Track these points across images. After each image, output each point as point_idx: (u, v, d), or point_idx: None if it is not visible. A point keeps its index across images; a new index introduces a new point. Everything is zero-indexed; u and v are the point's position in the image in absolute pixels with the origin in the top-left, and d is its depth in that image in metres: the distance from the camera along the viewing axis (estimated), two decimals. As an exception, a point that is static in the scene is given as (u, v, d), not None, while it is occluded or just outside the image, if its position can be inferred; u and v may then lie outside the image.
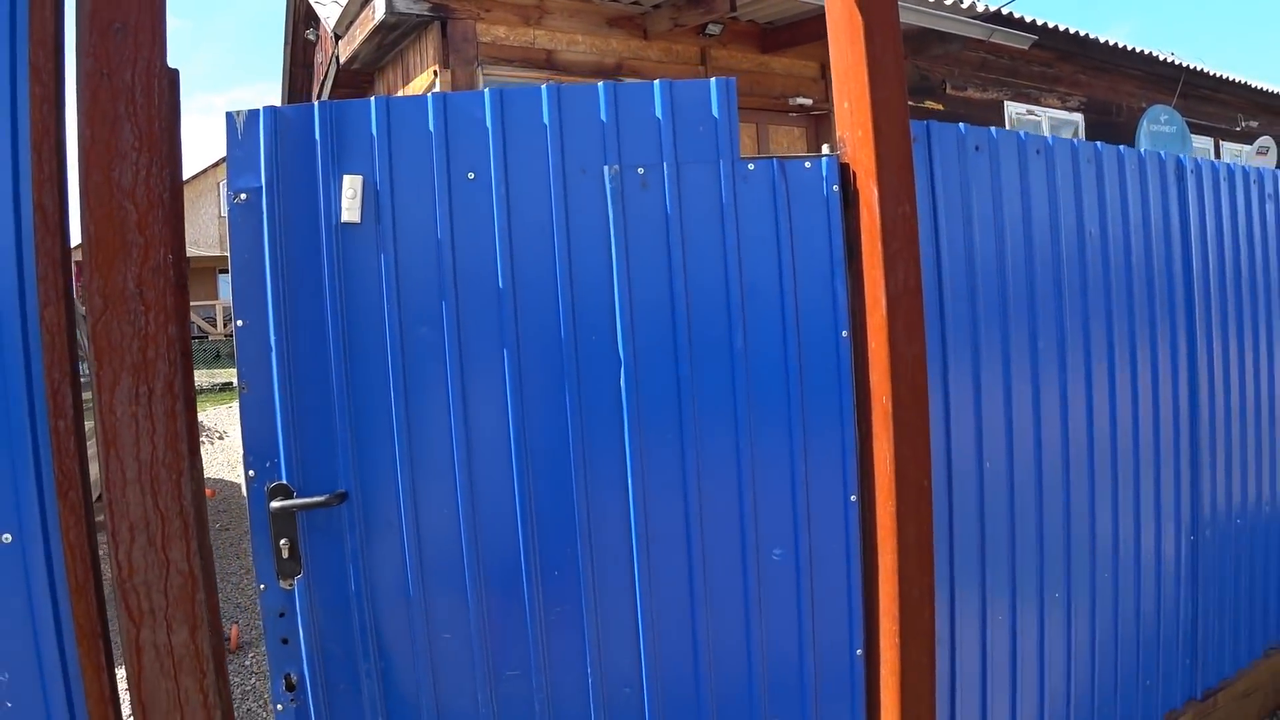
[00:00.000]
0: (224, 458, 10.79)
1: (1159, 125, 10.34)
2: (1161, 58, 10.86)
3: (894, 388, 2.14)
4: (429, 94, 2.13)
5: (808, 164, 2.20)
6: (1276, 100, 13.02)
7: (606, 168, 2.12)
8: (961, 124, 2.51)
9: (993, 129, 2.58)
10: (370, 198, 2.07)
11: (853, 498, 2.25)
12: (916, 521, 2.21)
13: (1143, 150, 3.13)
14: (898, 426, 2.15)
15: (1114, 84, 10.68)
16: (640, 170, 2.13)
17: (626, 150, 2.13)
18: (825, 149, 2.27)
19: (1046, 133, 9.41)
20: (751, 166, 2.18)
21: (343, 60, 7.17)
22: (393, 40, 6.59)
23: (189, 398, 1.52)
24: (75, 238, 1.64)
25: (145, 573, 1.40)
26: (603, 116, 2.11)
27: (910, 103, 6.77)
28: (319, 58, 10.71)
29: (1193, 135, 11.52)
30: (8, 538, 1.39)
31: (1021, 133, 2.66)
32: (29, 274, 1.41)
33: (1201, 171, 3.38)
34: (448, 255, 2.09)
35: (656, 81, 2.15)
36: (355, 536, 2.04)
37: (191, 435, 1.52)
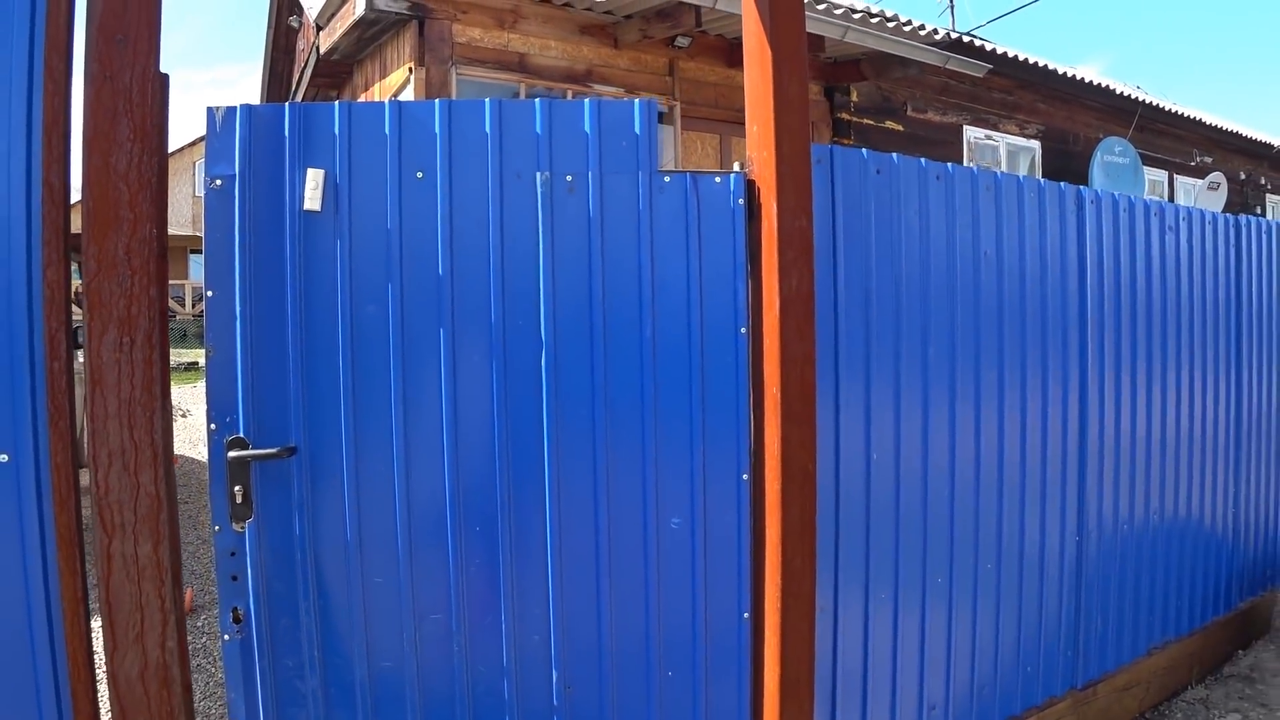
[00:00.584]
0: (186, 435, 10.95)
1: (1113, 156, 10.76)
2: (1119, 90, 11.28)
3: (784, 380, 2.44)
4: (386, 101, 2.41)
5: (718, 179, 2.50)
6: (1230, 138, 13.51)
7: (539, 174, 2.41)
8: (864, 150, 2.82)
9: (894, 155, 2.89)
10: (330, 190, 2.35)
11: (744, 476, 2.55)
12: (800, 501, 2.52)
13: (1042, 181, 3.45)
14: (785, 415, 2.46)
15: (1072, 114, 11.10)
16: (569, 178, 2.42)
17: (558, 159, 2.42)
18: (736, 166, 2.57)
19: (1003, 157, 9.85)
20: (668, 179, 2.48)
21: (323, 51, 7.40)
22: (372, 35, 6.84)
23: (164, 350, 1.80)
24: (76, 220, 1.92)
25: (119, 493, 1.67)
26: (538, 129, 2.41)
27: (870, 122, 7.14)
28: (300, 45, 10.92)
29: (1148, 168, 11.97)
30: (4, 457, 1.66)
31: (922, 160, 2.97)
32: (35, 239, 1.68)
33: (1101, 202, 3.71)
34: (396, 243, 2.38)
35: (586, 99, 2.45)
36: (302, 487, 2.32)
37: (164, 380, 1.80)
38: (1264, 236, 4.76)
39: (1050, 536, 3.49)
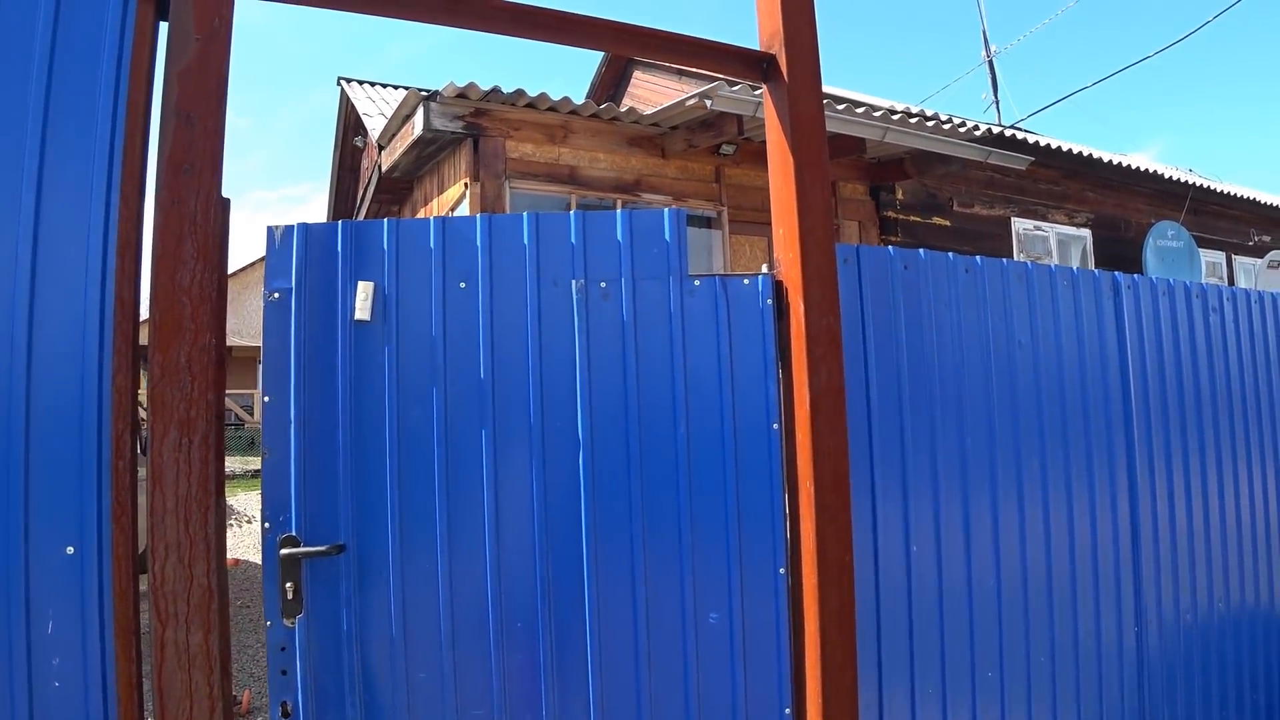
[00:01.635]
0: (250, 540, 11.16)
1: (1166, 240, 10.69)
2: (1167, 175, 11.27)
3: (817, 473, 2.49)
4: (431, 218, 2.58)
5: (746, 281, 2.61)
6: (1288, 217, 13.35)
7: (574, 281, 2.54)
8: (890, 247, 2.91)
9: (921, 251, 2.97)
10: (380, 300, 2.50)
11: (781, 570, 2.58)
12: (838, 592, 2.53)
13: (1075, 269, 3.50)
14: (820, 508, 2.50)
15: (1122, 200, 11.09)
16: (603, 284, 2.55)
17: (592, 267, 2.55)
18: (764, 268, 2.68)
19: (1054, 247, 9.85)
20: (698, 283, 2.59)
21: (384, 168, 7.80)
22: (430, 153, 7.20)
23: (219, 450, 1.93)
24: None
25: (174, 584, 1.78)
26: (573, 239, 2.55)
27: (917, 219, 7.24)
28: (365, 163, 11.49)
29: (1204, 249, 11.85)
30: (71, 550, 1.78)
31: (950, 254, 3.05)
32: (107, 349, 1.85)
33: (1139, 286, 3.73)
34: (440, 349, 2.51)
35: (618, 210, 2.59)
36: (350, 583, 2.41)
37: (219, 479, 1.93)
38: (1318, 317, 4.70)
39: (1107, 628, 3.41)
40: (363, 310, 2.49)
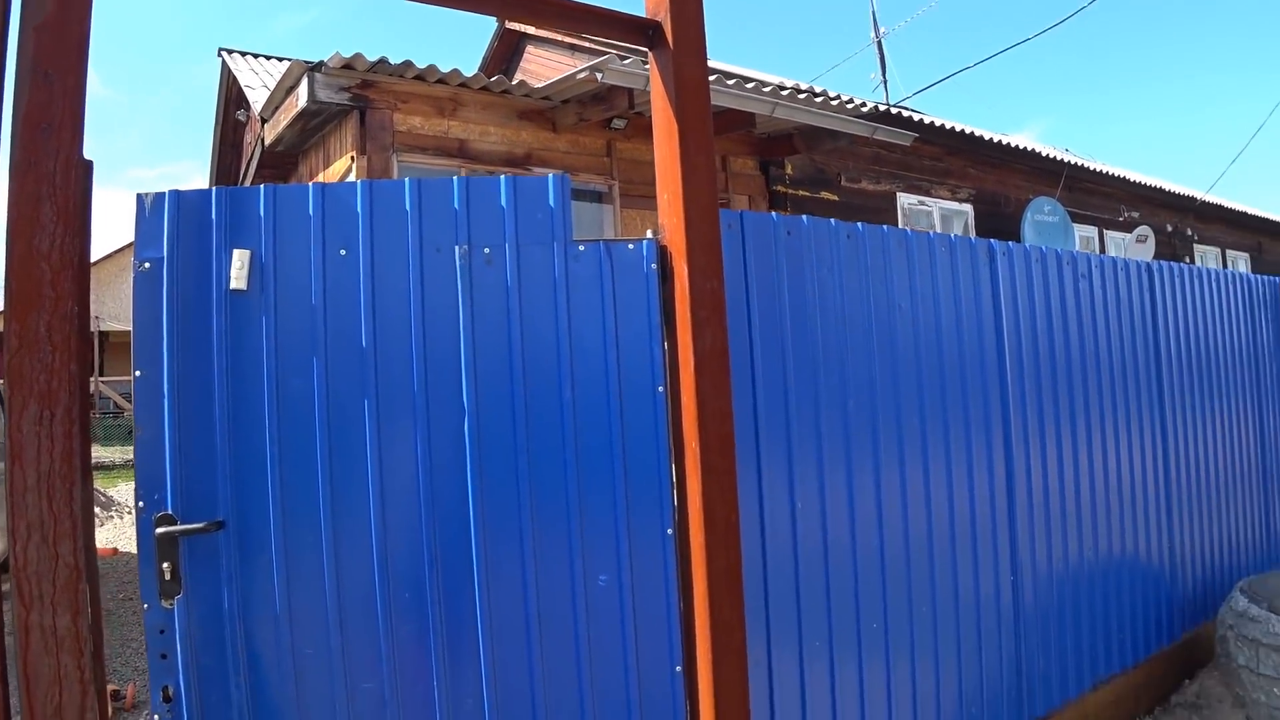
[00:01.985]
0: (132, 532, 10.74)
1: (1043, 215, 11.16)
2: (1045, 153, 11.76)
3: (702, 435, 2.53)
4: (310, 184, 2.51)
5: (630, 246, 2.63)
6: (1155, 193, 14.06)
7: (458, 247, 2.51)
8: (774, 213, 2.97)
9: (804, 217, 3.04)
10: (257, 269, 2.43)
11: (669, 531, 2.62)
12: (726, 552, 2.58)
13: (953, 236, 3.63)
14: (706, 468, 2.54)
15: (1002, 177, 11.53)
16: (486, 250, 2.53)
17: (476, 233, 2.53)
18: (649, 233, 2.70)
19: (937, 221, 10.17)
20: (582, 248, 2.59)
21: (268, 142, 7.54)
22: (315, 126, 6.99)
23: (84, 423, 1.84)
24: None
25: (37, 564, 1.70)
26: (456, 205, 2.52)
27: (805, 194, 7.36)
28: (248, 138, 11.08)
29: (1079, 225, 12.41)
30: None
31: (831, 220, 3.13)
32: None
33: (1013, 254, 3.89)
34: (320, 318, 2.45)
35: (501, 176, 2.57)
36: (230, 561, 2.35)
37: (85, 455, 1.84)
38: (1177, 280, 4.99)
39: (985, 578, 3.57)
40: (239, 279, 2.42)
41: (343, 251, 2.48)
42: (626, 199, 7.71)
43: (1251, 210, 17.03)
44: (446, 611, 2.49)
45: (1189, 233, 15.32)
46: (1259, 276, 5.96)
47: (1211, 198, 15.23)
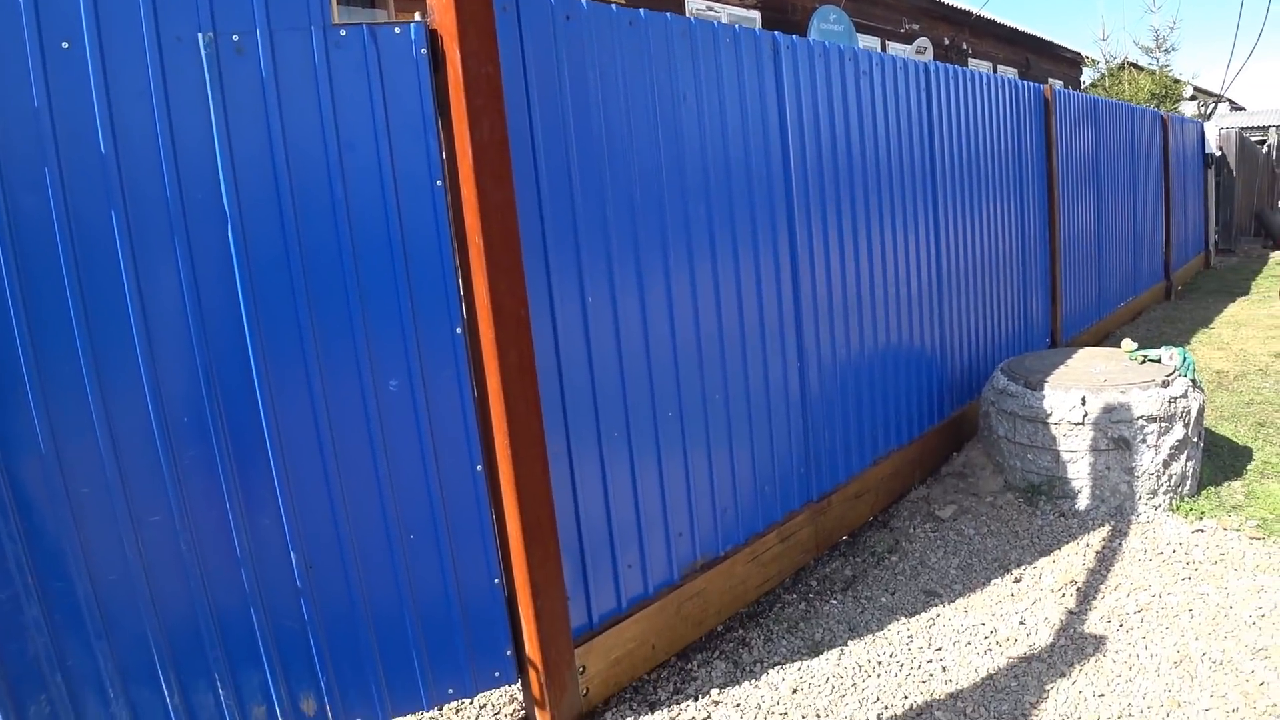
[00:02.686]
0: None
1: (828, 24, 11.30)
2: (831, -37, 11.79)
3: (485, 228, 2.44)
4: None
5: (397, 30, 2.42)
6: (935, 6, 14.47)
7: (201, 35, 2.23)
8: (551, -3, 2.79)
9: (584, 1, 2.88)
10: (-44, 69, 2.08)
11: (458, 330, 2.56)
12: (517, 346, 2.55)
13: (738, 27, 3.57)
14: (492, 263, 2.46)
15: (790, -15, 11.53)
16: (235, 38, 2.26)
17: (221, 18, 2.25)
18: (416, 16, 2.49)
19: (728, 32, 10.05)
20: (344, 33, 2.36)
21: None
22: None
23: None
24: None
25: None
26: (193, -16, 2.22)
27: (594, -1, 6.89)
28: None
29: (862, 35, 12.66)
30: None
31: (613, 5, 2.99)
32: None
33: (797, 48, 3.88)
34: (46, 124, 2.14)
35: (245, -52, 2.27)
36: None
37: None
38: (952, 82, 5.17)
39: (773, 368, 3.73)
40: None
41: (65, 44, 2.14)
42: (402, 1, 7.17)
43: (1021, 27, 17.86)
44: (231, 431, 2.36)
45: (964, 47, 15.95)
46: (1025, 82, 6.28)
47: (986, 13, 15.84)
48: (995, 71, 16.96)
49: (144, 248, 2.23)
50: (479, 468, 2.65)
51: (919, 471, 4.93)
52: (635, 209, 3.02)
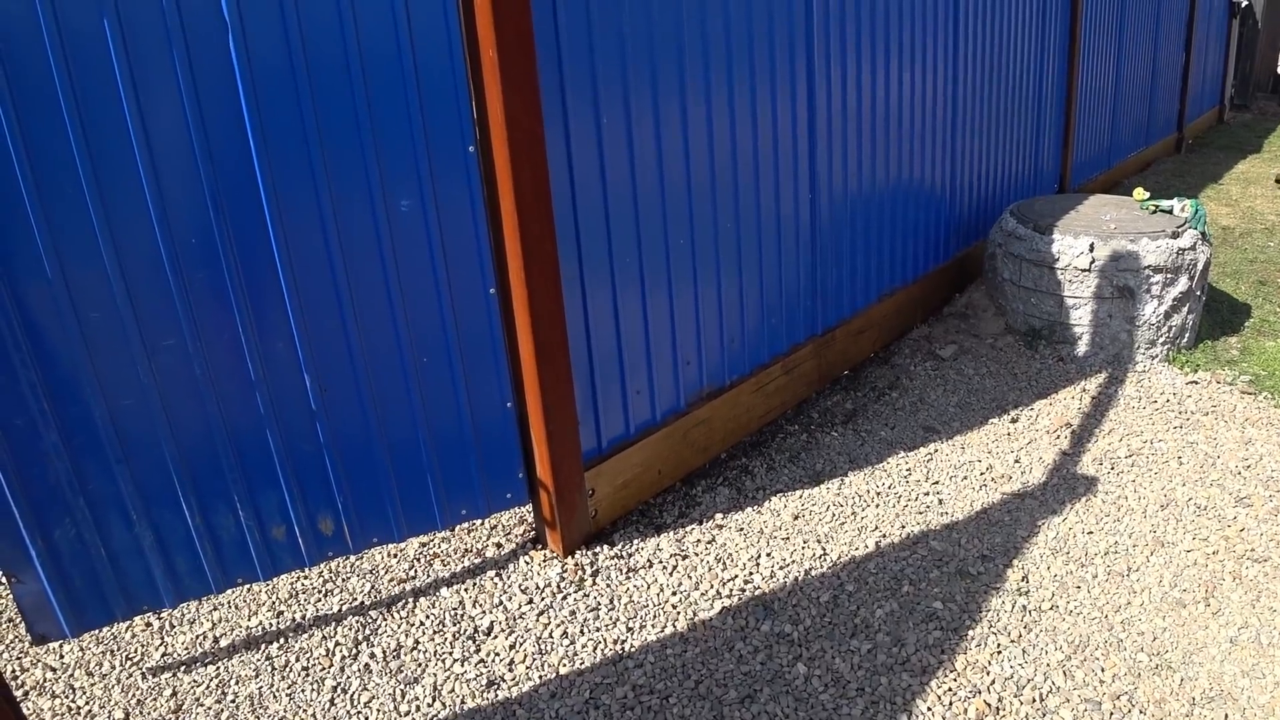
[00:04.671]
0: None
1: None
2: None
3: (499, 39, 2.33)
4: None
5: None
6: None
7: None
8: None
9: None
10: None
11: (471, 148, 2.49)
12: (531, 165, 2.49)
13: None
14: (505, 77, 2.37)
15: None
16: None
17: None
18: None
19: None
20: None
21: None
22: None
23: None
24: None
25: None
26: None
27: None
28: None
29: None
30: None
31: None
32: None
33: None
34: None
35: None
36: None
37: None
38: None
39: (785, 199, 3.67)
40: None
41: None
42: None
43: None
44: (240, 254, 2.31)
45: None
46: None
47: None
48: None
49: (140, 61, 2.11)
50: (492, 290, 2.64)
51: (921, 311, 4.94)
52: (653, 23, 2.89)
